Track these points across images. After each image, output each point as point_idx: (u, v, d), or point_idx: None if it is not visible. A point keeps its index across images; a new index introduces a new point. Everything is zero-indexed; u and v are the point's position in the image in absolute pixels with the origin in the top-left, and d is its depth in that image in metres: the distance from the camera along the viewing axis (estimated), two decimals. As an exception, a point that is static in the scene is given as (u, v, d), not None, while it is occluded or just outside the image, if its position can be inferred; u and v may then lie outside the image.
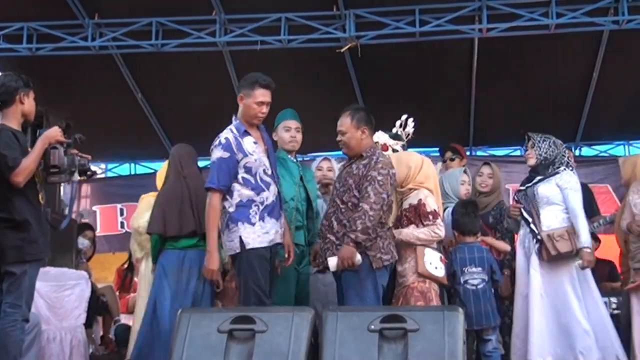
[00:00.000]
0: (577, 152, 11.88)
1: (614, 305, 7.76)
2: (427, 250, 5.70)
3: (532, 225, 6.10)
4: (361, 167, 5.52)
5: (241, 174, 5.28)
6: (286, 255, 5.46)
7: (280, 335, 4.43)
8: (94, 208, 11.81)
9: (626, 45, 9.54)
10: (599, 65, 9.96)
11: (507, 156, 11.79)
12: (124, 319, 8.46)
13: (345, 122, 5.60)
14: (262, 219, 5.24)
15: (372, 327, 4.39)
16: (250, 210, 5.24)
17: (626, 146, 11.90)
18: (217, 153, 5.31)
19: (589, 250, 5.84)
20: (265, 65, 10.01)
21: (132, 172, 12.67)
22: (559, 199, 6.05)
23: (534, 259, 6.04)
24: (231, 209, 5.26)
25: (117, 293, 8.87)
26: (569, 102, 10.87)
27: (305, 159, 11.20)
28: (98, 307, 8.02)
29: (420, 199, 5.77)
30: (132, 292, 8.73)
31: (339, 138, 5.66)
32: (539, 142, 6.24)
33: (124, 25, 9.21)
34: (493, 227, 6.80)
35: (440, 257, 5.76)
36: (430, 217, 5.73)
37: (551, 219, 6.03)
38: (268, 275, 5.29)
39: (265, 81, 5.40)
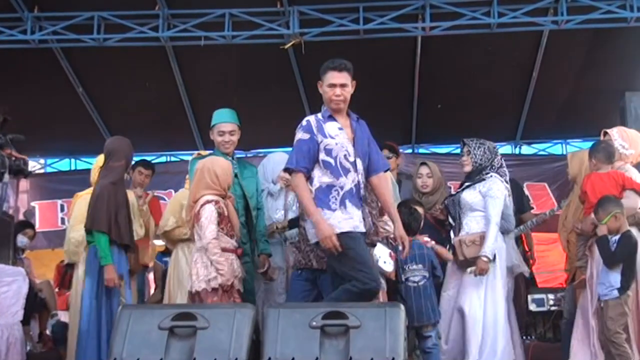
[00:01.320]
0: (516, 151, 12.06)
1: (551, 302, 7.90)
2: (377, 245, 5.76)
3: (451, 231, 6.25)
4: None
5: (321, 156, 5.17)
6: (400, 248, 5.35)
7: (222, 332, 4.42)
8: (32, 204, 11.63)
9: (565, 45, 9.71)
10: (538, 65, 10.11)
11: (449, 154, 11.90)
12: (63, 316, 8.36)
13: None
14: (343, 204, 5.11)
15: (314, 323, 4.41)
16: (330, 196, 5.12)
17: (564, 145, 12.08)
18: (298, 135, 5.24)
19: (485, 259, 5.98)
20: (209, 61, 10.04)
21: (73, 168, 12.49)
22: (481, 205, 6.17)
23: (450, 263, 6.21)
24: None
25: (57, 289, 8.77)
26: (509, 101, 11.02)
27: (248, 155, 11.24)
28: (36, 303, 7.91)
29: None
30: (71, 289, 8.64)
31: None
32: (475, 148, 6.33)
33: (64, 19, 9.04)
34: (441, 224, 6.88)
35: (390, 253, 5.81)
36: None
37: (473, 225, 6.17)
38: (367, 253, 5.16)
39: (336, 63, 5.28)
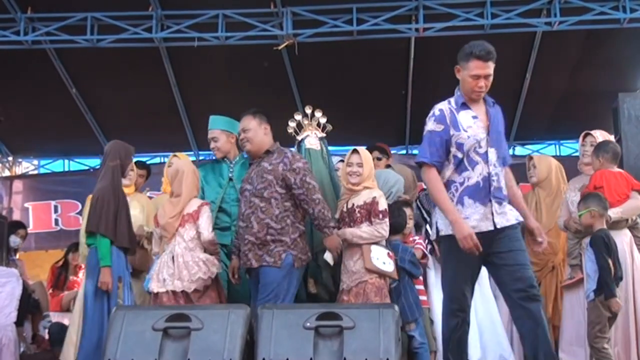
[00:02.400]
0: (510, 152, 12.05)
1: None
2: (374, 247, 5.80)
3: (427, 227, 6.26)
4: (275, 161, 5.63)
5: (452, 150, 4.82)
6: (539, 240, 4.92)
7: (216, 333, 4.42)
8: (26, 205, 11.59)
9: (558, 46, 9.72)
10: (531, 66, 10.13)
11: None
12: (56, 317, 8.33)
13: (248, 122, 5.83)
14: (460, 202, 4.77)
15: (308, 324, 4.41)
16: (448, 192, 4.79)
17: (557, 146, 12.10)
18: (430, 125, 4.87)
19: None
20: (203, 62, 10.03)
21: (66, 169, 12.47)
22: None
23: (431, 258, 6.22)
24: None
25: (50, 291, 8.75)
26: (503, 102, 10.93)
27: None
28: (29, 305, 7.89)
29: (375, 197, 5.89)
30: (65, 290, 8.63)
31: (242, 137, 5.83)
32: None
33: (58, 19, 9.02)
34: None
35: (388, 253, 5.84)
36: (381, 216, 5.85)
37: None
38: (465, 267, 4.77)
39: (482, 52, 4.93)
